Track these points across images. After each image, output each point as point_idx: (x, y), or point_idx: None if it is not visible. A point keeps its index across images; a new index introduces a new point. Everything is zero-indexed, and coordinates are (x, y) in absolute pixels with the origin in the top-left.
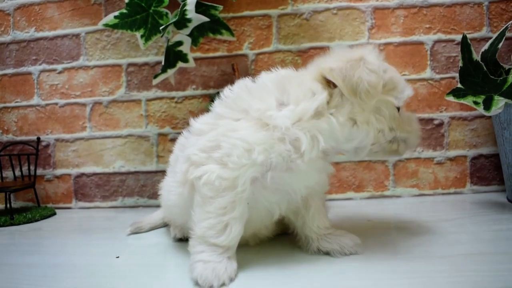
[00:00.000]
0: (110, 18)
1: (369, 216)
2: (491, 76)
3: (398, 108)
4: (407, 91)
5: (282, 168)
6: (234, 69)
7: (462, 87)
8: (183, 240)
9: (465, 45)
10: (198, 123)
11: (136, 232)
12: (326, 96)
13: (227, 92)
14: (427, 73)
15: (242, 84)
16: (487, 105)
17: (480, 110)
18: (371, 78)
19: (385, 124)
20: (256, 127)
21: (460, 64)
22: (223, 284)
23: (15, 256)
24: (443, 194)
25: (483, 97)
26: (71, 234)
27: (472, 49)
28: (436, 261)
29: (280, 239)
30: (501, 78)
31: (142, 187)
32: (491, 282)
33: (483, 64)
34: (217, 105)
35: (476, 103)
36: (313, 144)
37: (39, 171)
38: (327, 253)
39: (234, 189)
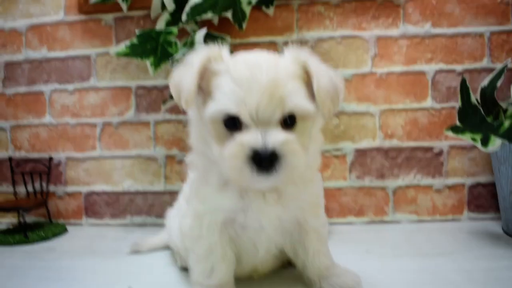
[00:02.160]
0: (121, 48)
1: (368, 244)
2: (488, 120)
3: None
4: None
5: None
6: None
7: (460, 125)
8: (187, 270)
9: (464, 87)
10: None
11: (135, 251)
12: None
13: None
14: (428, 103)
15: None
16: (485, 142)
17: (478, 146)
18: None
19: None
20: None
21: (459, 104)
22: None
23: (31, 284)
24: (441, 221)
25: (481, 135)
26: (83, 257)
27: (471, 92)
28: None
29: (285, 273)
30: (498, 122)
31: (150, 206)
32: None
33: (480, 107)
34: None
35: (474, 139)
36: None
37: (51, 187)
38: None
39: (203, 237)
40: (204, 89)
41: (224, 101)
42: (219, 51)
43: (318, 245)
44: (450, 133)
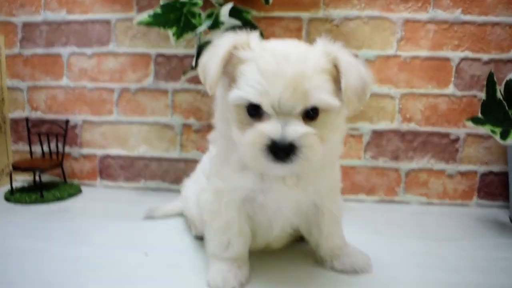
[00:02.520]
0: (144, 17)
1: (377, 224)
2: (511, 115)
3: None
4: None
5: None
6: None
7: (481, 117)
8: (202, 239)
9: (490, 81)
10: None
11: (149, 217)
12: None
13: None
14: (450, 89)
15: None
16: (504, 136)
17: (497, 138)
18: None
19: None
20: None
21: (484, 97)
22: None
23: (46, 242)
24: (449, 205)
25: (501, 128)
26: (98, 219)
27: (497, 87)
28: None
29: (298, 248)
30: None
31: (164, 172)
32: None
33: (505, 103)
34: None
35: (493, 132)
36: None
37: (66, 149)
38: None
39: (221, 212)
40: (230, 74)
41: (247, 89)
42: (247, 39)
43: (332, 227)
44: (470, 124)
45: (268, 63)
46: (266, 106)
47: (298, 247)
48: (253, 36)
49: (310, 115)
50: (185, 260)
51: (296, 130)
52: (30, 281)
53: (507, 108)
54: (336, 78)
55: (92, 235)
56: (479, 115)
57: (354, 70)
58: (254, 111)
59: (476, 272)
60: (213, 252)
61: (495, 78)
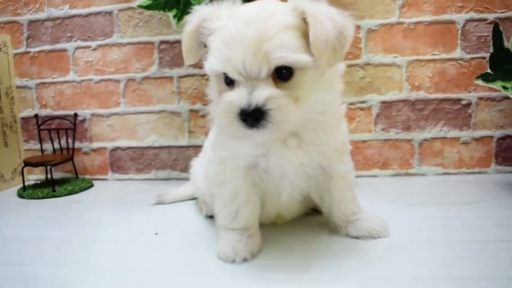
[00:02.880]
0: (143, 0)
1: (393, 195)
2: None
3: None
4: None
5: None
6: None
7: (491, 72)
8: (213, 217)
9: (497, 32)
10: None
11: (159, 203)
12: None
13: None
14: (457, 53)
15: None
16: None
17: (509, 94)
18: None
19: None
20: None
21: (491, 50)
22: (245, 259)
23: (58, 230)
24: (467, 173)
25: None
26: (109, 208)
27: (504, 36)
28: (455, 246)
29: (311, 220)
30: None
31: (174, 161)
32: (510, 270)
33: None
34: None
35: (505, 88)
36: None
37: (77, 144)
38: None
39: (227, 181)
40: (208, 46)
41: (212, 59)
42: (214, 10)
43: (344, 191)
44: (480, 82)
45: (229, 30)
46: (232, 73)
47: (312, 219)
48: (225, 6)
49: (283, 75)
50: (196, 238)
51: (260, 94)
52: (46, 263)
53: None
54: (307, 32)
55: (103, 221)
56: (488, 70)
57: (325, 20)
58: (229, 80)
59: (498, 230)
60: (222, 224)
61: (501, 28)
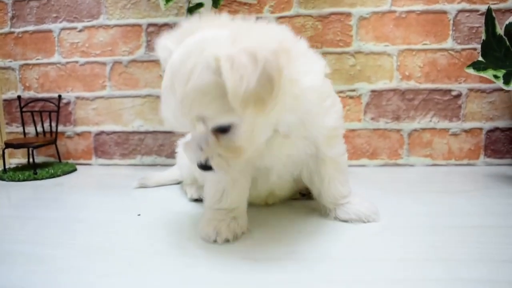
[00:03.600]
0: None
1: (382, 183)
2: None
3: None
4: None
5: None
6: None
7: (483, 60)
8: (198, 200)
9: (489, 18)
10: None
11: (142, 186)
12: None
13: None
14: (449, 43)
15: None
16: (507, 79)
17: (500, 84)
18: None
19: None
20: None
21: (483, 37)
22: (227, 240)
23: (39, 210)
24: (456, 165)
25: (503, 71)
26: (92, 190)
27: (496, 22)
28: (443, 231)
29: (301, 204)
30: None
31: (160, 146)
32: (498, 254)
33: (506, 38)
34: None
35: (496, 77)
36: None
37: (60, 128)
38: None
39: None
40: None
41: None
42: (169, 47)
43: (334, 173)
44: (471, 71)
45: (164, 81)
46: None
47: (302, 204)
48: (173, 36)
49: (221, 129)
50: (180, 219)
51: (200, 156)
52: (26, 241)
53: (508, 43)
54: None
55: (86, 203)
56: (480, 58)
57: (241, 67)
58: None
59: (485, 217)
60: (208, 204)
61: (493, 14)
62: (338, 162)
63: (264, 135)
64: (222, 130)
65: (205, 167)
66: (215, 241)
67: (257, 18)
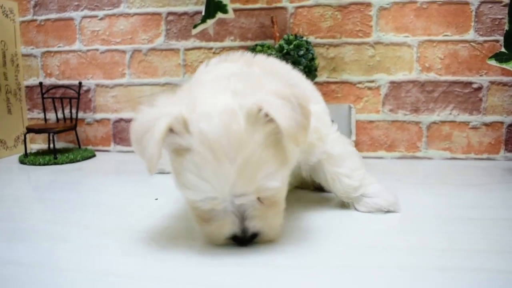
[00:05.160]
0: None
1: (399, 175)
2: None
3: None
4: None
5: None
6: (273, 22)
7: (505, 51)
8: None
9: None
10: None
11: (160, 172)
12: None
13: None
14: (470, 35)
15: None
16: None
17: None
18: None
19: None
20: None
21: (506, 27)
22: None
23: (58, 193)
24: (475, 159)
25: None
26: (110, 175)
27: None
28: (461, 223)
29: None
30: None
31: None
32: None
33: None
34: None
35: None
36: None
37: (80, 115)
38: None
39: None
40: (172, 152)
41: (194, 195)
42: (183, 116)
43: (333, 169)
44: (493, 62)
45: (207, 162)
46: (219, 208)
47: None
48: (190, 111)
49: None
50: None
51: (254, 226)
52: (44, 221)
53: None
54: (270, 132)
55: (104, 187)
56: (502, 49)
57: (283, 106)
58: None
59: (504, 209)
60: None
61: None
62: (333, 156)
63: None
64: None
65: (247, 239)
66: None
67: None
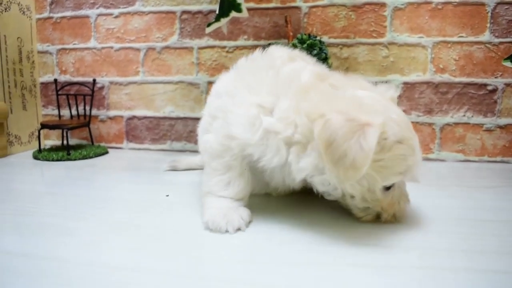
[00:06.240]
0: None
1: None
2: None
3: (388, 187)
4: (405, 176)
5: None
6: (287, 21)
7: None
8: None
9: None
10: (216, 84)
11: (172, 169)
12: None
13: (250, 62)
14: (486, 36)
15: (259, 63)
16: None
17: None
18: (357, 156)
19: (358, 192)
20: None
21: None
22: (239, 229)
23: (70, 188)
24: (489, 161)
25: None
26: (122, 172)
27: None
28: (473, 224)
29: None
30: None
31: (190, 132)
32: None
33: None
34: (239, 67)
35: None
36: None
37: (94, 112)
38: None
39: (223, 158)
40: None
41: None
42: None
43: None
44: (508, 64)
45: (413, 141)
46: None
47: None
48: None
49: None
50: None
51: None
52: (56, 215)
53: None
54: None
55: (116, 183)
56: None
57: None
58: None
59: None
60: (210, 190)
61: None
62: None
63: None
64: None
65: None
66: (226, 231)
67: (290, 7)
